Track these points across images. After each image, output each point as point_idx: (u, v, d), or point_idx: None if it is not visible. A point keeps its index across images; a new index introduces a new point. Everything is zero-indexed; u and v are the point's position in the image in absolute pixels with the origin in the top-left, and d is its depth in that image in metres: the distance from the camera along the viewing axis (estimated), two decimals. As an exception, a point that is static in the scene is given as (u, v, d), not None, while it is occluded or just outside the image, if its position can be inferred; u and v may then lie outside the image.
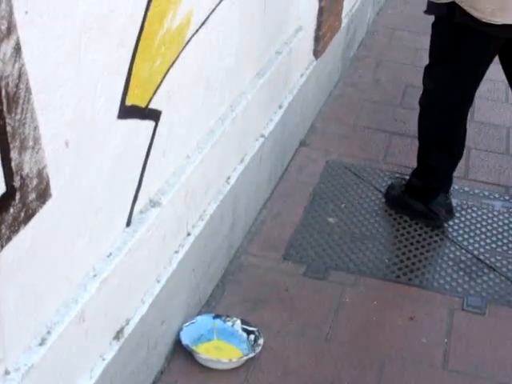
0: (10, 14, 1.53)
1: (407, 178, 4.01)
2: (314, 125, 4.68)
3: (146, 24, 2.22)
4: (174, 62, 2.51)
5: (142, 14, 2.19)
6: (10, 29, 1.55)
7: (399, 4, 6.91)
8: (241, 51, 3.20)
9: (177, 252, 2.82)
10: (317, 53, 4.47)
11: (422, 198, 3.87)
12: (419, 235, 3.77)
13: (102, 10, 1.94)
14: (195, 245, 2.93)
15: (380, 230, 3.76)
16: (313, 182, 4.10)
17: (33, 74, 1.67)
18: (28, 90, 1.68)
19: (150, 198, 2.58)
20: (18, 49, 1.60)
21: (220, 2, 2.81)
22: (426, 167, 3.82)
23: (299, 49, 4.10)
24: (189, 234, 2.91)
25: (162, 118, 2.52)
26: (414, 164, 3.95)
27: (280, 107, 3.91)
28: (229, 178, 3.27)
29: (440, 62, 3.51)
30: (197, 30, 2.66)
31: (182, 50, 2.56)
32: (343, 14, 5.05)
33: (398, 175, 4.21)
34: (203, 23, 2.70)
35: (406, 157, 4.40)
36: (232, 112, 3.20)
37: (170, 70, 2.49)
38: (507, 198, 4.10)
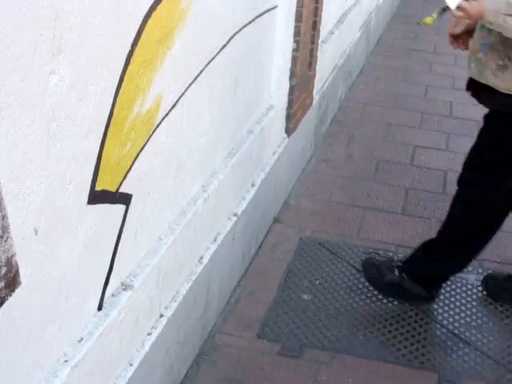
0: (-22, 107, 1.56)
1: (381, 253, 4.02)
2: (288, 201, 4.72)
3: (115, 110, 2.25)
4: (144, 146, 2.54)
5: (111, 100, 2.22)
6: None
7: (371, 79, 7.05)
8: (212, 132, 3.25)
9: (149, 334, 2.80)
10: (289, 130, 4.53)
11: (427, 283, 3.78)
12: (393, 311, 3.77)
13: (70, 99, 1.97)
14: (168, 326, 2.92)
15: (354, 307, 3.77)
16: (287, 259, 4.11)
17: (1, 164, 1.69)
18: (-4, 180, 1.69)
19: (122, 281, 2.58)
20: (-15, 141, 1.62)
21: (189, 86, 2.86)
22: (447, 263, 3.66)
23: (271, 127, 4.16)
24: (161, 316, 2.90)
25: (133, 201, 2.54)
26: (387, 239, 3.98)
27: (252, 185, 3.94)
28: (201, 257, 3.27)
29: (497, 163, 3.20)
30: (167, 114, 2.70)
31: (152, 133, 2.60)
32: (315, 91, 5.14)
33: (371, 250, 4.22)
34: (173, 106, 2.74)
35: (379, 232, 4.43)
36: (204, 192, 3.22)
37: (140, 154, 2.52)
38: (480, 271, 4.13)
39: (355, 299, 3.83)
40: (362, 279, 3.96)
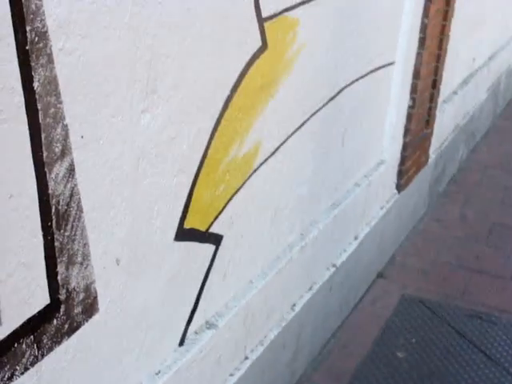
0: (65, 137, 1.66)
1: (483, 317, 3.91)
2: (394, 257, 4.68)
3: (209, 152, 2.32)
4: (239, 189, 2.60)
5: (206, 142, 2.29)
6: (64, 151, 1.67)
7: (495, 142, 6.92)
8: (314, 181, 3.28)
9: (232, 375, 2.83)
10: (400, 186, 4.50)
11: None
12: (489, 378, 3.64)
13: (162, 138, 2.05)
14: (252, 369, 2.93)
15: (450, 369, 3.67)
16: (386, 315, 4.06)
17: (86, 193, 1.78)
18: (79, 209, 1.78)
19: (207, 319, 2.62)
20: (71, 170, 1.71)
21: (292, 134, 2.91)
22: None
23: (380, 182, 4.15)
24: (246, 358, 2.92)
25: (224, 242, 2.59)
26: (492, 303, 3.88)
27: (355, 238, 3.93)
28: (294, 305, 3.28)
29: None
30: (265, 160, 2.75)
31: (249, 177, 2.65)
32: (431, 150, 5.09)
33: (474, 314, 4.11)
34: (273, 153, 2.79)
35: (485, 295, 4.32)
36: (302, 240, 3.25)
37: (235, 197, 2.58)
38: None
39: (450, 361, 3.73)
40: (461, 342, 3.86)
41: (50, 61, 1.54)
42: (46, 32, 1.51)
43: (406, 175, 4.53)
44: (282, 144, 2.85)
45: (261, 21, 2.42)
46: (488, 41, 6.52)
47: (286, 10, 2.60)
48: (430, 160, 5.13)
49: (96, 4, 1.64)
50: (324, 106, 3.17)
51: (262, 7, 2.41)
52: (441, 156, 5.44)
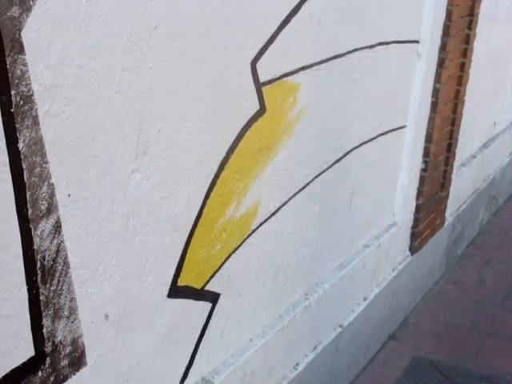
0: (51, 196, 1.74)
1: (495, 380, 3.88)
2: (407, 319, 4.67)
3: (204, 211, 2.39)
4: (236, 248, 2.65)
5: (200, 202, 2.36)
6: (50, 209, 1.75)
7: (518, 205, 6.91)
8: (320, 242, 3.32)
9: (229, 434, 2.84)
10: (413, 249, 4.52)
11: None
12: None
13: (153, 198, 2.12)
14: (251, 429, 2.95)
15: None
16: (395, 376, 4.05)
17: (73, 249, 1.85)
18: (66, 264, 1.85)
19: (203, 376, 2.65)
20: (57, 227, 1.78)
21: (294, 196, 2.97)
22: None
23: (391, 244, 4.18)
24: (245, 417, 2.93)
25: (221, 300, 2.64)
26: (506, 367, 3.85)
27: (364, 299, 3.95)
28: (297, 364, 3.30)
29: None
30: (265, 220, 2.80)
31: (248, 237, 2.71)
32: (448, 213, 5.11)
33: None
34: (273, 214, 2.85)
35: (498, 359, 4.28)
36: (306, 300, 3.28)
37: (232, 255, 2.63)
38: None
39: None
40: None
41: (36, 123, 1.63)
42: (32, 95, 1.60)
43: (420, 237, 4.55)
44: (283, 205, 2.91)
45: (258, 85, 2.51)
46: (510, 105, 6.56)
47: (286, 74, 2.68)
48: (447, 223, 5.15)
49: (83, 69, 1.73)
50: (329, 168, 3.23)
51: (259, 72, 2.49)
52: (458, 219, 5.45)
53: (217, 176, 2.42)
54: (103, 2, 1.74)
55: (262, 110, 2.56)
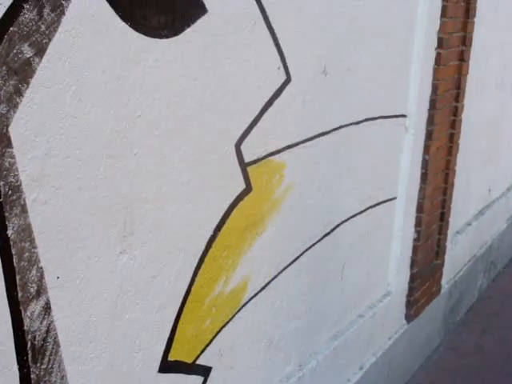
0: (41, 278, 1.84)
1: None
2: (406, 388, 4.70)
3: (193, 288, 2.48)
4: (227, 322, 2.73)
5: (189, 279, 2.46)
6: (40, 291, 1.85)
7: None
8: (312, 314, 3.40)
9: None
10: (409, 317, 4.58)
11: None
12: None
13: (142, 276, 2.22)
14: None
15: None
16: None
17: (63, 329, 1.95)
18: (56, 343, 1.94)
19: None
20: (47, 308, 1.88)
21: (284, 269, 3.06)
22: None
23: (386, 313, 4.24)
24: None
25: (213, 373, 2.71)
26: None
27: (360, 368, 4.00)
28: (293, 433, 3.34)
29: None
30: (256, 294, 2.89)
31: (238, 311, 2.79)
32: (444, 280, 5.18)
33: None
34: (263, 288, 2.94)
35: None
36: (300, 371, 3.34)
37: (223, 330, 2.71)
38: None
39: None
40: None
41: (24, 211, 1.74)
42: (20, 185, 1.72)
43: (416, 306, 4.62)
44: (273, 279, 3.00)
45: (243, 165, 2.63)
46: (505, 172, 6.68)
47: (271, 154, 2.80)
48: (444, 290, 5.21)
49: (70, 158, 1.85)
50: (318, 241, 3.33)
51: (244, 153, 2.61)
52: (455, 286, 5.51)
53: (205, 254, 2.51)
54: (88, 95, 1.86)
55: (247, 189, 2.68)
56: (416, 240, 4.46)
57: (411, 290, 4.54)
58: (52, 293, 1.89)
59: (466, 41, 4.61)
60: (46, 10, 1.72)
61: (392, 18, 3.63)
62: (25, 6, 1.67)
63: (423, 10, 3.95)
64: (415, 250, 4.47)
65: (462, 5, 4.45)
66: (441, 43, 4.23)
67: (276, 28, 2.66)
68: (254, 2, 2.51)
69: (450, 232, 5.13)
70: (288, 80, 2.78)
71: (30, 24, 1.68)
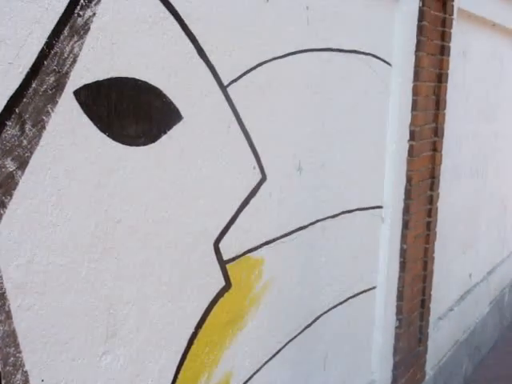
0: (26, 382, 1.90)
1: None
2: None
3: (175, 385, 2.53)
4: (211, 419, 2.77)
5: (172, 377, 2.52)
6: None
7: (504, 355, 6.97)
8: (296, 406, 3.43)
9: None
10: (395, 405, 4.60)
11: None
12: None
13: (124, 376, 2.27)
14: None
15: None
16: None
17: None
18: None
19: None
20: (31, 411, 1.93)
21: (266, 363, 3.11)
22: None
23: (371, 402, 4.26)
24: None
25: None
26: None
27: None
28: None
29: None
30: (238, 389, 2.94)
31: (221, 406, 2.83)
32: (428, 366, 5.21)
33: None
34: (246, 382, 2.99)
35: None
36: None
37: (207, 426, 2.75)
38: None
39: None
40: None
41: (9, 317, 1.81)
42: (4, 293, 1.79)
43: (401, 394, 4.64)
44: (255, 373, 3.05)
45: (222, 263, 2.71)
46: (484, 256, 6.77)
47: (249, 250, 2.89)
48: (428, 377, 5.23)
49: (52, 264, 1.93)
50: (300, 333, 3.39)
51: (222, 251, 2.70)
52: (440, 372, 5.54)
53: (187, 351, 2.57)
54: (68, 203, 1.96)
55: (227, 286, 2.75)
56: (398, 328, 4.51)
57: (395, 378, 4.57)
58: (36, 393, 1.94)
59: (437, 132, 4.77)
60: (28, 126, 1.83)
61: (364, 114, 3.78)
62: (7, 122, 1.77)
63: (394, 104, 4.10)
64: (397, 337, 4.52)
65: (432, 98, 4.63)
66: (413, 135, 4.38)
67: (250, 129, 2.79)
68: (228, 107, 2.64)
69: (432, 318, 5.18)
70: (263, 179, 2.90)
71: (13, 140, 1.78)
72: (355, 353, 4.08)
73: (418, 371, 4.99)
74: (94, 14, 1.99)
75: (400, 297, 4.48)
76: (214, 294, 2.69)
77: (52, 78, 1.89)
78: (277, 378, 3.23)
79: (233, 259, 2.79)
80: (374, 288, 4.22)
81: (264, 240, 2.99)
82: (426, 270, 4.87)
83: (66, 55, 1.92)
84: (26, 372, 1.89)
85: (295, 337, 3.35)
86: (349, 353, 3.99)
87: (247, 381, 3.00)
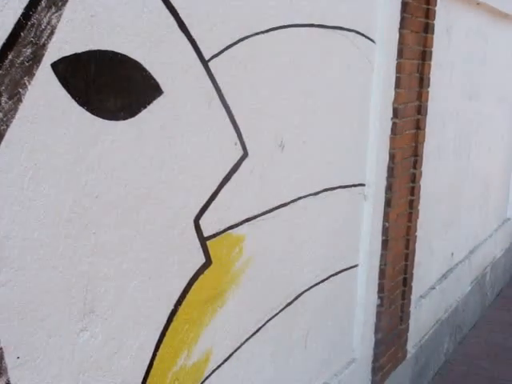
0: (0, 359, 1.87)
1: None
2: None
3: (154, 363, 2.51)
4: (190, 396, 2.76)
5: (150, 354, 2.49)
6: (1, 372, 1.87)
7: (484, 334, 7.02)
8: (276, 383, 3.42)
9: None
10: (375, 383, 4.60)
11: None
12: None
13: (103, 353, 2.26)
14: None
15: None
16: None
17: None
18: (17, 424, 1.96)
19: None
20: (7, 388, 1.91)
21: (246, 341, 3.09)
22: None
23: (352, 380, 4.27)
24: None
25: None
26: None
27: None
28: None
29: None
30: (218, 366, 2.92)
31: (202, 383, 2.82)
32: (409, 345, 5.22)
33: None
34: (226, 360, 2.97)
35: None
36: None
37: (186, 403, 2.74)
38: None
39: None
40: None
41: (-16, 293, 1.78)
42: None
43: (381, 372, 4.65)
44: (235, 350, 3.03)
45: (203, 240, 2.69)
46: (466, 235, 6.79)
47: (230, 227, 2.87)
48: (409, 355, 5.25)
49: (28, 240, 1.90)
50: (281, 311, 3.37)
51: (203, 227, 2.68)
52: (421, 350, 5.56)
53: (166, 328, 2.55)
54: (45, 178, 1.93)
55: (207, 263, 2.73)
56: (379, 306, 4.52)
57: (376, 356, 4.58)
58: (12, 373, 1.92)
59: (421, 110, 4.75)
60: (4, 98, 1.79)
61: (347, 91, 3.76)
62: (-17, 95, 1.74)
63: (378, 81, 4.08)
64: (379, 315, 4.53)
65: (416, 75, 4.60)
66: (396, 113, 4.36)
67: (231, 105, 2.75)
68: (210, 82, 2.60)
69: (414, 297, 5.19)
70: (245, 155, 2.87)
71: (-12, 113, 1.75)
72: (336, 331, 4.08)
73: (400, 349, 5.00)
74: (72, -16, 1.95)
75: (382, 275, 4.48)
76: (194, 270, 2.67)
77: (29, 50, 1.85)
78: (257, 355, 3.22)
79: (213, 236, 2.76)
80: (355, 266, 4.22)
81: (245, 217, 2.96)
82: (408, 249, 4.87)
83: (43, 27, 1.88)
84: (0, 349, 1.87)
85: (276, 314, 3.33)
86: (330, 331, 3.99)
87: (227, 358, 2.98)
